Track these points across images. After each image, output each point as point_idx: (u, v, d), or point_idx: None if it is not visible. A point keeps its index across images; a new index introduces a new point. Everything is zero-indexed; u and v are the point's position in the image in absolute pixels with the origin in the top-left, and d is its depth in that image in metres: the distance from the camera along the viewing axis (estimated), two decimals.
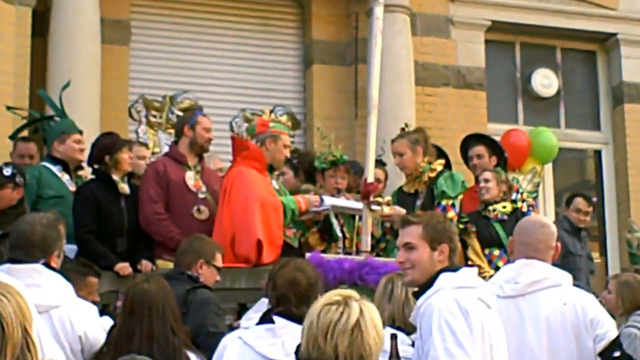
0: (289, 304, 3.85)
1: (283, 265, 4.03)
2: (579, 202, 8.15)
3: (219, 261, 5.23)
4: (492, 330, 3.60)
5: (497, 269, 6.17)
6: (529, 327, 4.16)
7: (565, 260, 7.63)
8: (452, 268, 3.71)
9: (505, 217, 6.91)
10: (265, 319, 3.88)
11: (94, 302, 5.15)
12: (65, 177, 6.49)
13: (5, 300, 2.48)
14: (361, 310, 2.76)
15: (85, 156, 6.53)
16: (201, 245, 5.25)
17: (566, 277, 4.34)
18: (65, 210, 5.99)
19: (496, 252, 6.88)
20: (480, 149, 7.46)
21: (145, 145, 7.72)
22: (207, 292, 4.93)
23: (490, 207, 6.99)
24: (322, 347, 2.73)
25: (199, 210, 6.44)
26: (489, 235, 6.91)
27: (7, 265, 4.06)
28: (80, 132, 6.66)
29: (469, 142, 7.64)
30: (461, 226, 6.82)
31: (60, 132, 6.61)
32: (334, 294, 2.83)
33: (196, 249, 5.19)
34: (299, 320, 3.65)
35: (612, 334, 4.22)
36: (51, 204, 6.10)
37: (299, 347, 3.45)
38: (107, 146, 6.35)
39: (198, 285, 4.96)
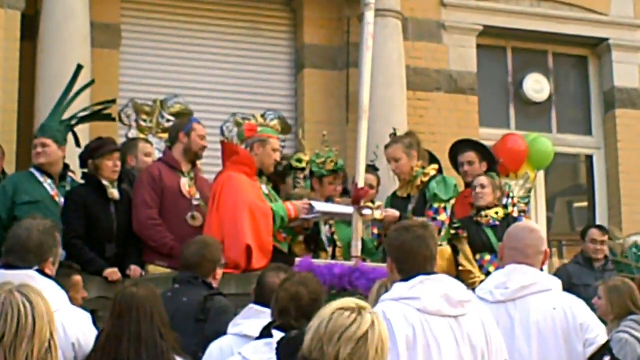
0: (289, 317, 3.83)
1: (287, 279, 4.01)
2: (594, 232, 8.12)
3: (222, 260, 5.24)
4: (443, 338, 3.61)
5: (488, 274, 6.15)
6: (519, 332, 4.16)
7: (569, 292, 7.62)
8: (406, 278, 3.74)
9: (497, 222, 6.91)
10: (265, 333, 3.86)
11: (83, 299, 5.24)
12: (47, 182, 6.44)
13: (39, 300, 2.74)
14: (373, 323, 2.76)
15: (47, 159, 6.42)
16: (212, 252, 5.18)
17: (556, 282, 4.34)
18: (43, 215, 5.91)
19: (487, 257, 6.87)
20: (470, 155, 7.44)
21: (150, 142, 7.63)
22: (224, 300, 4.96)
23: (483, 213, 6.98)
24: (325, 349, 2.71)
25: (193, 217, 6.43)
26: (480, 241, 6.90)
27: (1, 271, 4.04)
28: (37, 136, 6.51)
29: (458, 148, 7.61)
30: (452, 231, 6.81)
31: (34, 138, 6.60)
32: (350, 301, 2.82)
33: (211, 258, 5.13)
34: None
35: (602, 338, 4.23)
36: (25, 210, 6.06)
37: (280, 341, 3.44)
38: (91, 150, 6.32)
39: (215, 292, 4.96)
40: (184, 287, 4.93)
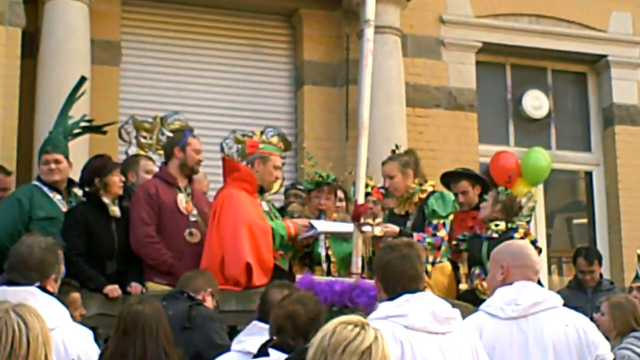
0: (286, 335, 3.82)
1: (286, 296, 4.02)
2: (580, 263, 8.05)
3: (216, 299, 5.29)
4: (431, 354, 3.65)
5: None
6: (533, 348, 4.21)
7: None
8: (392, 297, 3.80)
9: (496, 235, 6.80)
10: (263, 351, 3.85)
11: (82, 316, 5.25)
12: (57, 198, 6.42)
13: (35, 320, 2.73)
14: (376, 337, 2.76)
15: (61, 175, 6.42)
16: (211, 278, 5.35)
17: (560, 299, 4.41)
18: (57, 231, 5.96)
19: (477, 270, 6.82)
20: (464, 184, 7.41)
21: (152, 159, 7.64)
22: (209, 309, 5.04)
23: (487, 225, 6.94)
24: None
25: (190, 233, 6.39)
26: (477, 254, 6.86)
27: (3, 288, 4.05)
28: (48, 151, 6.47)
29: (450, 178, 7.59)
30: (454, 242, 6.81)
31: (39, 154, 6.58)
32: (352, 317, 2.83)
33: (208, 279, 5.28)
34: None
35: (610, 355, 4.35)
36: (41, 226, 6.05)
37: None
38: (96, 168, 6.29)
39: (198, 302, 5.02)
40: (170, 302, 4.97)
